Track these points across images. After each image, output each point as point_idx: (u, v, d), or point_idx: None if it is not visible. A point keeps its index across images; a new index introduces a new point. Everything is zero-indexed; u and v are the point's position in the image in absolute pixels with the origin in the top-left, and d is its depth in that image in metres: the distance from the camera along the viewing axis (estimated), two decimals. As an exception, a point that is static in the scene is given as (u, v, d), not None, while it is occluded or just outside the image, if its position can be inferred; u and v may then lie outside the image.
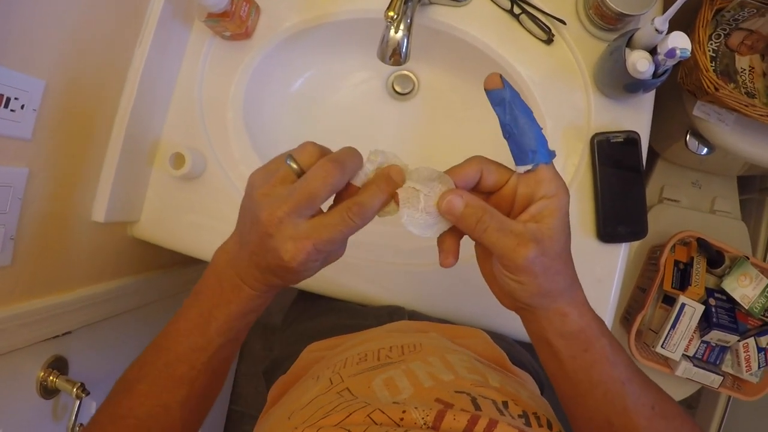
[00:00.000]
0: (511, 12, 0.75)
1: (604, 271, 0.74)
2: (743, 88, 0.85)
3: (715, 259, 1.01)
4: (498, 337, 0.64)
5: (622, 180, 0.73)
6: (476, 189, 0.40)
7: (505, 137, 0.38)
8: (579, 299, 0.40)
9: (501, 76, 0.38)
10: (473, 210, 0.37)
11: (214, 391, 0.48)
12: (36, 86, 0.55)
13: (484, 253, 0.43)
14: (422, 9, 0.76)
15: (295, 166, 0.38)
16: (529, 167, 0.38)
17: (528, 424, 0.37)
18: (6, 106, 0.52)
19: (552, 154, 0.38)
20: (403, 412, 0.34)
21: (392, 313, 0.68)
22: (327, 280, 0.74)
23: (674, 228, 1.05)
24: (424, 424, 0.34)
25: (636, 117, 0.75)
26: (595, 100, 0.75)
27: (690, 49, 0.59)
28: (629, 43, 0.65)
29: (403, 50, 0.65)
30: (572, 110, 0.75)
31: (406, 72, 0.85)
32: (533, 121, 0.38)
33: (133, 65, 0.69)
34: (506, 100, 0.37)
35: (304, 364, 0.58)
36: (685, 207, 1.13)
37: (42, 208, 0.60)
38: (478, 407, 0.36)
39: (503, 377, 0.46)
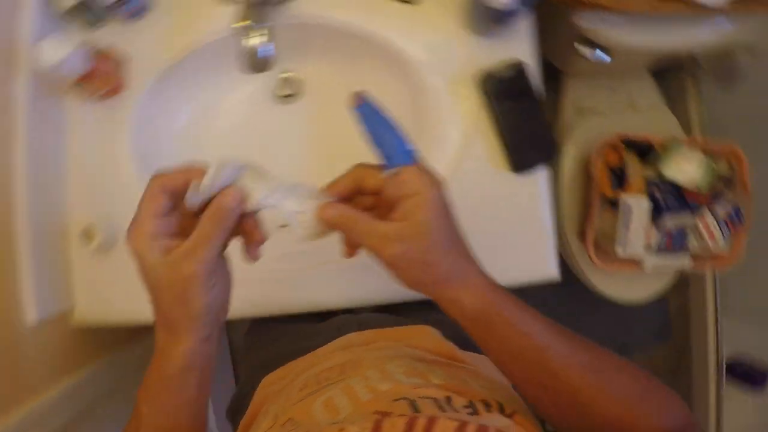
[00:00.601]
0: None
1: (530, 200, 0.75)
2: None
3: (644, 150, 1.02)
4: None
5: (520, 109, 0.73)
6: (362, 193, 0.43)
7: (372, 148, 0.43)
8: (471, 282, 0.41)
9: (361, 94, 0.42)
10: (342, 218, 0.41)
11: None
12: None
13: None
14: (282, 8, 0.74)
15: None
16: (392, 171, 0.41)
17: (475, 412, 0.38)
18: None
19: (410, 155, 0.42)
20: (341, 430, 0.34)
21: (341, 327, 0.68)
22: (266, 300, 0.73)
23: (602, 138, 1.06)
24: None
25: (518, 46, 0.75)
26: (473, 43, 0.74)
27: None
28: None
29: (264, 55, 0.64)
30: (454, 59, 0.74)
31: (287, 74, 0.83)
32: (391, 129, 0.42)
33: (15, 159, 0.67)
34: (365, 115, 0.42)
35: (259, 401, 0.58)
36: (607, 114, 1.14)
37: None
38: (416, 409, 0.37)
39: (449, 371, 0.48)
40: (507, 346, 0.41)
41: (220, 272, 0.41)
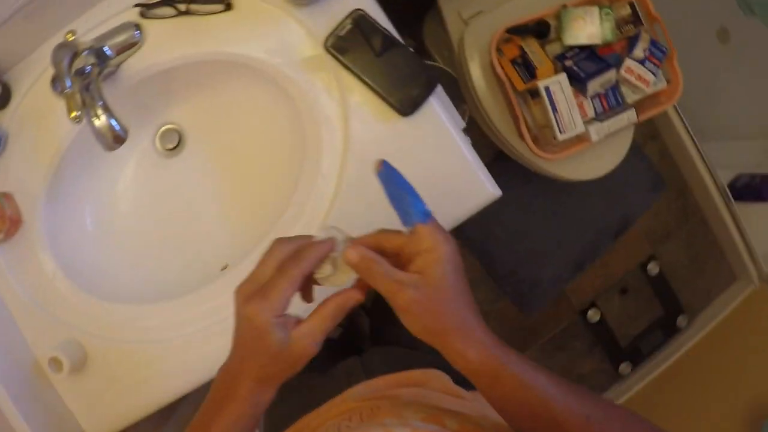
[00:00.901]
0: (180, 12, 0.72)
1: (438, 134, 0.72)
2: None
3: (540, 30, 0.99)
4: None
5: (376, 55, 0.70)
6: (384, 255, 0.45)
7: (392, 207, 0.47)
8: (474, 336, 0.43)
9: (383, 161, 0.48)
10: (365, 260, 0.44)
11: None
12: None
13: None
14: (117, 74, 0.73)
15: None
16: (410, 228, 0.45)
17: None
18: None
19: (428, 215, 0.46)
20: None
21: (349, 374, 0.68)
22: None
23: (495, 32, 1.02)
24: None
25: (350, -2, 0.73)
26: (303, 15, 0.72)
27: None
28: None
29: (117, 129, 0.63)
30: (294, 41, 0.72)
31: (164, 128, 0.81)
32: (408, 190, 0.47)
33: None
34: (385, 179, 0.48)
35: None
36: (492, 7, 1.09)
37: None
38: None
39: (463, 415, 0.50)
40: (512, 398, 0.43)
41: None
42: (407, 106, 0.71)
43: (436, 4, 1.14)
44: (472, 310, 0.44)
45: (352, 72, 0.71)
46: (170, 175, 0.82)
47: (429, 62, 1.27)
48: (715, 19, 1.47)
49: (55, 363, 0.71)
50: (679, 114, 1.41)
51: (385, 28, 0.71)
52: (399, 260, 0.46)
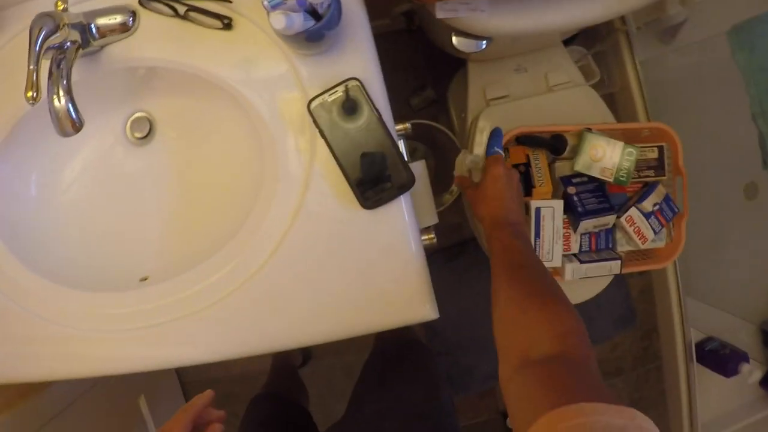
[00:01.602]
0: (178, 15, 0.64)
1: (394, 235, 0.66)
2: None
3: (554, 145, 0.91)
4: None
5: (361, 133, 0.63)
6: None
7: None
8: (497, 221, 0.68)
9: (497, 128, 0.78)
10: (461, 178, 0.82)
11: None
12: None
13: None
14: (98, 56, 0.67)
15: None
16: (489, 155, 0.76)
17: None
18: None
19: (494, 152, 0.76)
20: None
21: None
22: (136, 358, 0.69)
23: (511, 128, 0.95)
24: None
25: (353, 62, 0.65)
26: (300, 64, 0.65)
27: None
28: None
29: (74, 117, 0.57)
30: (283, 87, 0.65)
31: (135, 116, 0.76)
32: (496, 140, 0.77)
33: None
34: (492, 135, 0.77)
35: None
36: (518, 98, 1.01)
37: None
38: None
39: None
40: (493, 249, 0.65)
41: None
42: (370, 201, 0.64)
43: (466, 72, 1.06)
44: (505, 208, 0.70)
45: (327, 142, 0.63)
46: (130, 163, 0.77)
47: (430, 123, 1.18)
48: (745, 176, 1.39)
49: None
50: (675, 266, 1.33)
51: (377, 109, 0.63)
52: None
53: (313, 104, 0.62)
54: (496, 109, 1.00)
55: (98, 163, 0.77)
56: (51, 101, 0.56)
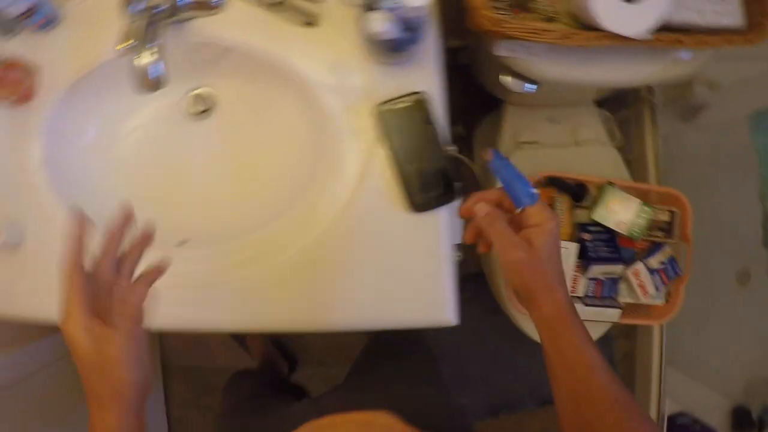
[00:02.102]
0: (265, 4, 0.70)
1: (430, 241, 0.70)
2: (542, 13, 0.81)
3: (577, 193, 0.97)
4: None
5: (418, 145, 0.68)
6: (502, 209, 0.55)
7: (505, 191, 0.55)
8: (556, 296, 0.51)
9: (492, 151, 0.55)
10: (491, 215, 0.54)
11: None
12: None
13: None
14: (182, 27, 0.71)
15: None
16: (519, 209, 0.53)
17: None
18: None
19: (534, 197, 0.53)
20: None
21: (303, 416, 0.68)
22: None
23: (538, 172, 1.01)
24: None
25: (422, 76, 0.70)
26: (374, 71, 0.70)
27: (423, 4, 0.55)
28: (375, 5, 0.60)
29: (156, 75, 0.61)
30: (354, 88, 0.70)
31: (198, 90, 0.80)
32: (518, 177, 0.54)
33: None
34: (497, 167, 0.54)
35: None
36: (547, 146, 1.08)
37: None
38: None
39: None
40: (564, 354, 0.50)
41: (139, 352, 0.49)
42: (418, 205, 0.68)
43: (502, 112, 1.13)
44: (559, 276, 0.53)
45: (387, 146, 0.68)
46: (184, 133, 0.81)
47: (461, 157, 1.24)
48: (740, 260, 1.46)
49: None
50: (662, 333, 1.39)
51: (437, 124, 0.68)
52: (510, 221, 0.54)
53: (381, 109, 0.68)
54: (526, 153, 1.07)
55: (153, 127, 0.81)
56: (139, 58, 0.59)
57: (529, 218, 0.52)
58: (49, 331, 0.96)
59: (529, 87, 0.87)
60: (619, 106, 1.27)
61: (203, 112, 0.80)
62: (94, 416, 0.47)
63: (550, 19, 0.81)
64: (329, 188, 0.70)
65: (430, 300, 0.71)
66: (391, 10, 0.57)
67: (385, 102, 0.68)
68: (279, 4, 0.70)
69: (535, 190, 0.53)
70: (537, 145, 1.08)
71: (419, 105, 0.68)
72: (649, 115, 1.27)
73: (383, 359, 0.89)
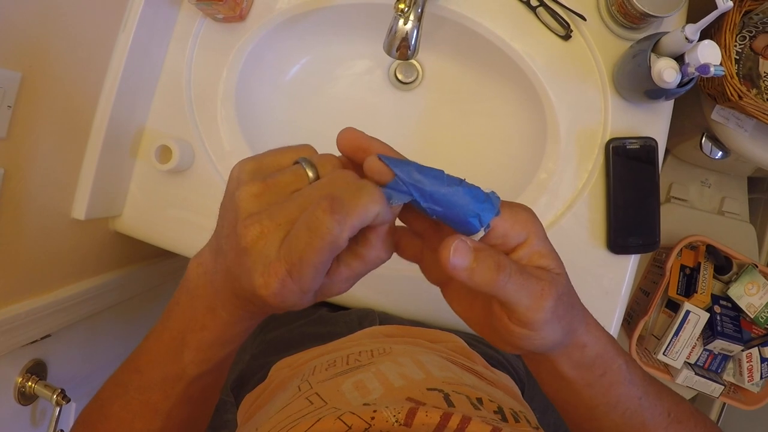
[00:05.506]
0: (528, 4, 0.70)
1: (612, 283, 0.71)
2: (766, 93, 0.81)
3: (722, 265, 0.97)
4: (475, 340, 0.63)
5: (636, 189, 0.69)
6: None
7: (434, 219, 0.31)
8: (591, 324, 0.37)
9: (378, 157, 0.31)
10: (488, 255, 0.29)
11: (200, 420, 0.44)
12: (10, 79, 0.50)
13: (462, 295, 0.37)
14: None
15: (311, 173, 0.30)
16: (481, 233, 0.30)
17: (504, 419, 0.36)
18: (-26, 103, 0.47)
19: (495, 201, 0.31)
20: (374, 411, 0.33)
21: (362, 319, 0.65)
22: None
23: (681, 229, 1.02)
24: (396, 422, 0.32)
25: (654, 123, 0.71)
26: (612, 103, 0.70)
27: (723, 67, 0.55)
28: (655, 48, 0.60)
29: (412, 43, 0.61)
30: (588, 112, 0.71)
31: (410, 60, 0.79)
32: (450, 185, 0.30)
33: (116, 50, 0.64)
34: (406, 184, 0.29)
35: (273, 384, 0.54)
36: (693, 207, 1.09)
37: (18, 210, 0.56)
38: (451, 404, 0.35)
39: (477, 380, 0.45)
40: (610, 394, 0.38)
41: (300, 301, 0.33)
42: (620, 247, 0.69)
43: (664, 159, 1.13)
44: (579, 302, 0.37)
45: (606, 180, 0.69)
46: (382, 99, 0.81)
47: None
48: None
49: (165, 152, 0.69)
50: (720, 414, 1.40)
51: (658, 173, 0.69)
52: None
53: (612, 144, 0.68)
54: (673, 208, 1.07)
55: (357, 85, 0.80)
56: (402, 21, 0.59)
57: (506, 240, 0.32)
58: (164, 256, 0.97)
59: (721, 155, 0.88)
60: (761, 185, 1.26)
61: (408, 83, 0.80)
62: (214, 311, 0.34)
63: (771, 99, 0.81)
64: (539, 201, 0.70)
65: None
66: (685, 62, 0.57)
67: (618, 138, 0.69)
68: (537, 7, 0.70)
69: (488, 190, 0.31)
70: (685, 204, 1.08)
71: (648, 151, 0.69)
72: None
73: None
